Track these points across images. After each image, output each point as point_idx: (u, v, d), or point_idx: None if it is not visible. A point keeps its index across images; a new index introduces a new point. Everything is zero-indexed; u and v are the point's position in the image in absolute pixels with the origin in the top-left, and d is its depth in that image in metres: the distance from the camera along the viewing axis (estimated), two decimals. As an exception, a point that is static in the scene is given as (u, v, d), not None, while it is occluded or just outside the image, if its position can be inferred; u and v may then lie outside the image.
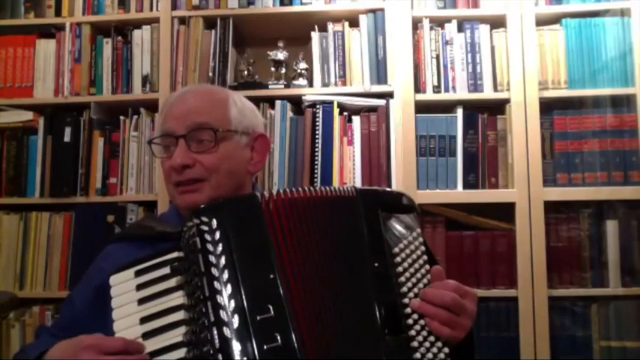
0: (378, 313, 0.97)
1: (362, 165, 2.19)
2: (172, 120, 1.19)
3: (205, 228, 0.95)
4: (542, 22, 2.21)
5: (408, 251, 1.04)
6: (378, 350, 0.95)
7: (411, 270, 1.02)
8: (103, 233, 2.20)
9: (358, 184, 2.17)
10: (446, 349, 0.98)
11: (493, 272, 2.14)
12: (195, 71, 2.27)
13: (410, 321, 0.98)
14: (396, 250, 1.03)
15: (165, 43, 2.27)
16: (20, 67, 2.34)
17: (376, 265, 1.01)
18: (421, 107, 2.18)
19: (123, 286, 0.98)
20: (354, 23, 2.28)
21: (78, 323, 1.04)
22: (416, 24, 2.23)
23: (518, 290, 2.08)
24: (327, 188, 1.06)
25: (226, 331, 0.87)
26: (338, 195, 1.06)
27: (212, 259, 0.92)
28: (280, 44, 2.37)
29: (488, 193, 2.15)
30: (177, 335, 0.92)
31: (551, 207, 2.12)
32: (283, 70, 2.36)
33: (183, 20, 2.29)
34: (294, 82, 2.30)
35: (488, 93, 2.20)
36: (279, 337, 0.89)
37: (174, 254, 0.99)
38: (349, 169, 2.19)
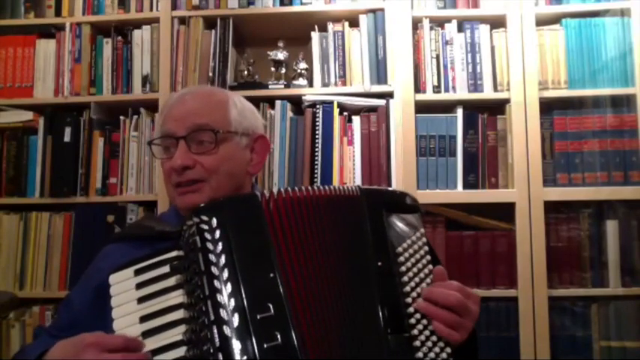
0: (381, 313, 0.97)
1: (362, 165, 2.19)
2: (172, 121, 1.19)
3: (205, 227, 0.95)
4: (542, 22, 2.21)
5: (411, 251, 1.04)
6: (380, 349, 0.95)
7: (414, 270, 1.03)
8: (103, 233, 2.20)
9: (358, 183, 2.17)
10: (448, 349, 0.98)
11: (493, 272, 2.14)
12: (195, 71, 2.27)
13: (412, 320, 0.98)
14: (400, 249, 1.03)
15: (165, 43, 2.28)
16: (20, 67, 2.34)
17: (380, 264, 1.01)
18: (421, 107, 2.18)
19: (122, 284, 0.98)
20: (354, 23, 2.28)
21: (77, 323, 1.04)
22: (416, 24, 2.23)
23: (518, 290, 2.08)
24: (331, 187, 1.06)
25: (226, 330, 0.87)
26: (341, 194, 1.07)
27: (212, 257, 0.92)
28: (280, 44, 2.37)
29: (488, 193, 2.15)
30: (177, 334, 0.92)
31: (551, 207, 2.12)
32: (283, 70, 2.36)
33: (183, 20, 2.29)
34: (294, 82, 2.30)
35: (488, 93, 2.20)
36: (279, 336, 0.89)
37: (174, 253, 0.99)
38: (349, 169, 2.19)
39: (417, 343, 0.96)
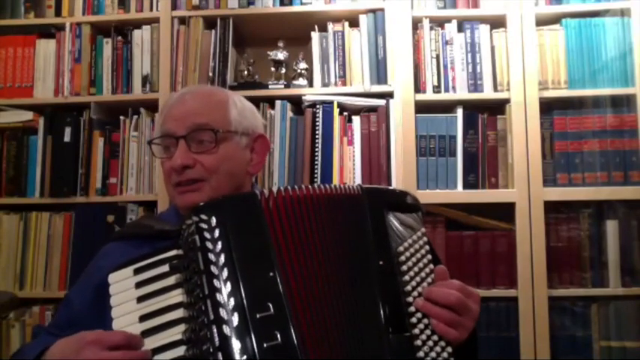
0: (382, 312, 0.96)
1: (362, 165, 2.19)
2: (172, 121, 1.19)
3: (204, 226, 0.95)
4: (542, 22, 2.21)
5: (412, 250, 1.04)
6: (381, 349, 0.94)
7: (415, 269, 1.02)
8: (103, 233, 2.20)
9: (358, 183, 2.17)
10: (449, 349, 0.98)
11: (493, 272, 2.14)
12: (195, 71, 2.27)
13: (414, 320, 0.98)
14: (401, 249, 1.03)
15: (165, 43, 2.28)
16: (20, 67, 2.34)
17: (381, 263, 1.01)
18: (421, 107, 2.19)
19: (122, 284, 0.98)
20: (354, 23, 2.28)
21: (76, 322, 1.04)
22: (416, 24, 2.23)
23: (518, 290, 2.08)
24: (332, 186, 1.06)
25: (226, 329, 0.87)
26: (343, 193, 1.06)
27: (211, 257, 0.92)
28: (280, 44, 2.37)
29: (488, 193, 2.15)
30: (176, 333, 0.92)
31: (551, 207, 2.12)
32: (283, 70, 2.36)
33: (183, 20, 2.29)
34: (294, 82, 2.30)
35: (488, 93, 2.20)
36: (279, 336, 0.88)
37: (173, 252, 0.98)
38: (349, 169, 2.20)
39: (418, 343, 0.96)
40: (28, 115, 2.30)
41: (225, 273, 0.91)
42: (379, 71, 2.23)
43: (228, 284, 0.90)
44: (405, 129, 2.16)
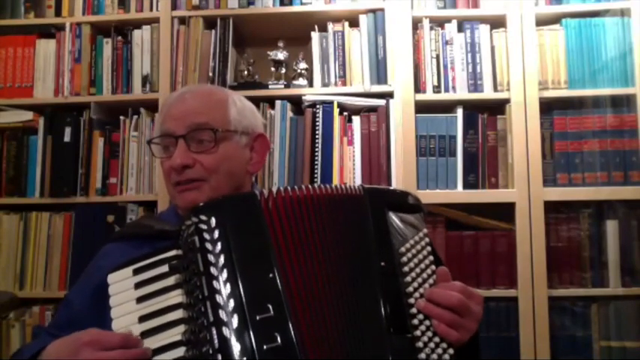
0: (383, 313, 0.96)
1: (362, 165, 2.19)
2: (172, 120, 1.19)
3: (204, 227, 0.94)
4: (542, 22, 2.21)
5: (414, 251, 1.03)
6: (383, 350, 0.94)
7: (417, 270, 1.02)
8: (103, 233, 2.20)
9: (358, 183, 2.17)
10: (451, 350, 0.97)
11: (493, 272, 2.14)
12: (195, 71, 2.27)
13: (415, 321, 0.97)
14: (403, 249, 1.02)
15: (165, 43, 2.28)
16: (20, 67, 2.34)
17: (383, 264, 1.00)
18: (421, 107, 2.18)
19: (121, 284, 0.98)
20: (354, 23, 2.28)
21: (76, 322, 1.03)
22: (416, 24, 2.23)
23: (518, 290, 2.08)
24: (334, 186, 1.05)
25: (225, 331, 0.87)
26: (344, 193, 1.06)
27: (211, 258, 0.92)
28: (280, 44, 2.37)
29: (488, 193, 2.15)
30: (176, 334, 0.91)
31: (551, 207, 2.12)
32: (283, 70, 2.36)
33: (183, 20, 2.29)
34: (294, 82, 2.30)
35: (488, 93, 2.20)
36: (279, 337, 0.88)
37: (173, 252, 0.98)
38: (349, 169, 2.19)
39: (420, 344, 0.95)
40: (28, 115, 2.30)
41: (224, 274, 0.91)
42: (379, 71, 2.23)
43: (228, 285, 0.90)
44: (405, 129, 2.16)
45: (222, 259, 0.92)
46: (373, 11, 2.25)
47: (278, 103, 2.24)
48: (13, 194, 2.29)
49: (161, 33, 2.28)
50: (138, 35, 2.32)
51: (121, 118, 2.29)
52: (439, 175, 2.18)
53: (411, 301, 0.98)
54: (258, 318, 0.89)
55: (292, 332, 0.89)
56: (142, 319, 0.94)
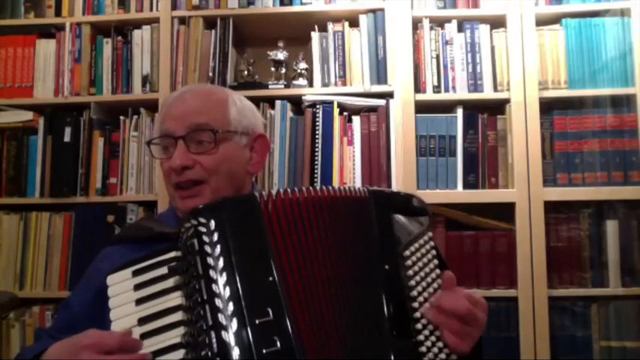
0: (387, 316, 0.96)
1: (362, 165, 2.19)
2: (171, 120, 1.18)
3: (203, 229, 0.94)
4: (542, 22, 2.21)
5: (418, 254, 1.03)
6: (386, 353, 0.94)
7: (422, 274, 1.01)
8: (103, 233, 2.20)
9: (358, 184, 2.17)
10: (454, 356, 0.97)
11: (493, 272, 2.13)
12: (195, 71, 2.27)
13: (419, 325, 0.96)
14: (407, 253, 1.02)
15: (165, 43, 2.27)
16: (20, 67, 2.34)
17: (386, 267, 1.00)
18: (421, 107, 2.18)
19: (120, 286, 0.98)
20: (354, 23, 2.27)
21: (76, 324, 1.03)
22: (416, 24, 2.23)
23: (518, 290, 2.08)
24: (338, 188, 1.05)
25: (225, 335, 0.86)
26: (349, 195, 1.05)
27: (210, 261, 0.91)
28: (280, 44, 2.37)
29: (488, 193, 2.15)
30: (175, 336, 0.91)
31: (551, 207, 2.12)
32: (283, 70, 2.36)
33: (183, 20, 2.29)
34: (294, 82, 2.30)
35: (488, 93, 2.20)
36: (278, 341, 0.87)
37: (172, 254, 0.98)
38: (349, 169, 2.19)
39: (423, 349, 0.95)
40: (28, 115, 2.30)
41: (223, 277, 0.90)
42: (379, 71, 2.23)
43: (227, 289, 0.90)
44: (405, 129, 2.15)
45: (221, 262, 0.91)
46: (373, 11, 2.25)
47: (278, 103, 2.24)
48: (13, 194, 2.29)
49: (161, 33, 2.28)
50: (138, 35, 2.32)
51: (121, 118, 2.29)
52: (439, 175, 2.17)
53: (415, 305, 0.98)
54: (257, 322, 0.88)
55: (292, 336, 0.89)
56: (142, 321, 0.93)
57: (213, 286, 0.90)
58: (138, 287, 0.97)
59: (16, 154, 2.30)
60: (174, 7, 2.30)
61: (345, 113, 2.22)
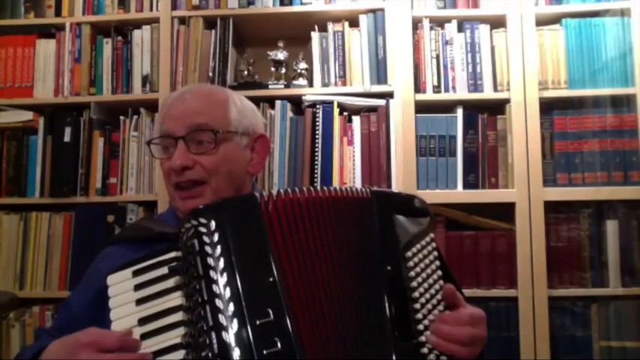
0: (389, 317, 0.95)
1: (362, 165, 2.19)
2: (171, 121, 1.18)
3: (203, 230, 0.94)
4: (542, 22, 2.21)
5: (420, 256, 1.03)
6: (388, 353, 0.93)
7: (423, 275, 1.01)
8: (103, 233, 2.20)
9: (358, 184, 2.17)
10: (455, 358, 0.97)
11: (493, 272, 2.13)
12: (195, 71, 2.27)
13: (420, 327, 0.96)
14: (409, 254, 1.01)
15: (165, 43, 2.27)
16: (20, 67, 2.34)
17: (389, 268, 0.99)
18: (421, 107, 2.18)
19: (120, 286, 0.97)
20: (354, 23, 2.27)
21: (76, 325, 1.03)
22: (416, 24, 2.23)
23: (518, 290, 2.08)
24: (340, 189, 1.05)
25: (225, 336, 0.86)
26: (351, 196, 1.05)
27: (210, 261, 0.91)
28: (280, 44, 2.37)
29: (488, 193, 2.15)
30: (175, 336, 0.91)
31: (551, 207, 2.12)
32: (283, 70, 2.36)
33: (183, 20, 2.29)
34: (294, 82, 2.30)
35: (488, 93, 2.20)
36: (279, 342, 0.87)
37: (172, 254, 0.98)
38: (349, 169, 2.19)
39: (425, 350, 0.95)
40: (28, 115, 2.30)
41: (224, 278, 0.90)
42: (379, 71, 2.23)
43: (228, 289, 0.90)
44: (405, 129, 2.15)
45: (221, 263, 0.91)
46: (373, 11, 2.25)
47: (278, 103, 2.24)
48: (13, 194, 2.29)
49: (161, 33, 2.28)
50: (138, 35, 2.32)
51: (121, 118, 2.29)
52: (439, 175, 2.17)
53: (417, 306, 0.97)
54: (258, 322, 0.88)
55: (292, 336, 0.89)
56: (142, 321, 0.93)
57: (214, 287, 0.90)
58: (138, 287, 0.96)
59: (16, 154, 2.30)
60: (174, 7, 2.30)
61: (345, 113, 2.22)
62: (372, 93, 2.22)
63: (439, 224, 2.16)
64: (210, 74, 2.26)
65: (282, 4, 2.29)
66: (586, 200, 2.14)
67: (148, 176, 2.25)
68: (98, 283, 1.04)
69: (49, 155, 2.27)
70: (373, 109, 2.21)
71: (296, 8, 2.28)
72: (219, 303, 0.89)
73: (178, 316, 0.92)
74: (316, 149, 2.18)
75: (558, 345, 2.08)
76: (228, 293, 0.89)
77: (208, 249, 0.92)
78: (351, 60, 2.25)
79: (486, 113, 2.20)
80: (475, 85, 2.20)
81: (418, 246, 1.03)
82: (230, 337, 0.86)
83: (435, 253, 1.05)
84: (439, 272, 1.03)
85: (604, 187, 2.12)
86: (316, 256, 0.97)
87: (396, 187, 2.14)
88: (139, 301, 0.95)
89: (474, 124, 2.18)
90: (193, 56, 2.27)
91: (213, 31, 2.29)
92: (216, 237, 0.93)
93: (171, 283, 0.96)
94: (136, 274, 0.98)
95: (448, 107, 2.25)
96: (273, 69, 2.37)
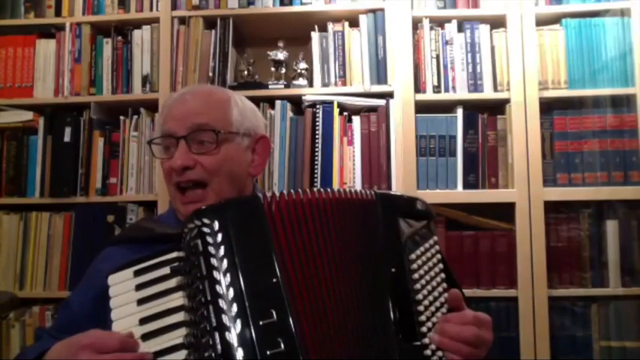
0: (393, 319, 0.95)
1: (362, 165, 2.19)
2: (172, 121, 1.18)
3: (207, 230, 0.94)
4: (542, 22, 2.21)
5: (424, 258, 1.03)
6: (391, 355, 0.94)
7: (427, 277, 1.01)
8: (103, 233, 2.20)
9: (358, 184, 2.17)
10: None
11: (493, 272, 2.13)
12: (195, 71, 2.27)
13: (424, 329, 0.96)
14: (413, 256, 1.02)
15: (165, 43, 2.27)
16: (20, 67, 2.34)
17: (393, 270, 0.99)
18: (421, 107, 2.18)
19: (122, 286, 0.97)
20: (354, 23, 2.28)
21: (77, 325, 1.03)
22: (416, 24, 2.23)
23: (518, 290, 2.08)
24: (344, 190, 1.05)
25: (228, 337, 0.86)
26: (355, 197, 1.05)
27: (214, 262, 0.91)
28: (280, 44, 2.37)
29: (488, 193, 2.15)
30: (177, 337, 0.91)
31: (551, 207, 2.12)
32: (283, 70, 2.36)
33: (183, 20, 2.29)
34: (294, 82, 2.30)
35: (488, 93, 2.20)
36: (282, 343, 0.87)
37: (174, 254, 0.98)
38: (349, 169, 2.19)
39: (428, 352, 0.95)
40: (28, 115, 2.30)
41: (227, 278, 0.90)
42: (379, 71, 2.23)
43: (231, 290, 0.90)
44: (405, 129, 2.15)
45: (225, 263, 0.91)
46: (373, 11, 2.25)
47: (278, 103, 2.24)
48: (13, 194, 2.29)
49: (161, 33, 2.28)
50: (138, 35, 2.32)
51: (121, 118, 2.29)
52: (439, 175, 2.18)
53: (420, 308, 0.97)
54: (261, 323, 0.88)
55: (295, 337, 0.89)
56: (143, 321, 0.93)
57: (217, 287, 0.90)
58: (139, 287, 0.96)
59: (16, 154, 2.30)
60: (174, 7, 2.30)
61: (345, 113, 2.23)
62: (372, 93, 2.22)
63: (439, 224, 2.16)
64: (210, 74, 2.26)
65: (282, 4, 2.29)
66: (586, 200, 2.14)
67: (148, 176, 2.25)
68: (98, 283, 1.04)
69: (49, 155, 2.27)
70: (373, 109, 2.21)
71: (296, 8, 2.28)
72: (222, 303, 0.89)
73: (180, 317, 0.93)
74: (316, 149, 2.18)
75: (558, 345, 2.08)
76: (231, 294, 0.89)
77: (212, 249, 0.92)
78: (351, 60, 2.26)
79: (486, 113, 2.20)
80: (475, 85, 2.20)
81: (422, 248, 1.04)
82: (233, 337, 0.87)
83: (439, 255, 1.05)
84: (443, 275, 1.03)
85: (604, 187, 2.12)
86: (319, 257, 0.97)
87: (396, 187, 2.14)
88: (141, 301, 0.95)
89: (473, 124, 2.18)
90: (193, 56, 2.27)
91: (213, 31, 2.29)
92: (219, 237, 0.93)
93: (173, 283, 0.96)
94: (137, 273, 0.98)
95: (448, 107, 2.25)
96: (273, 69, 2.37)
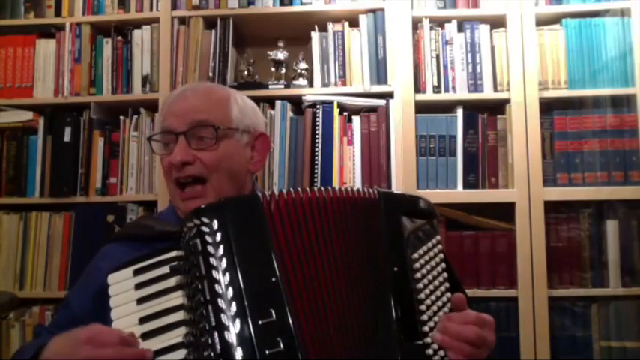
0: (395, 318, 0.95)
1: (362, 165, 2.19)
2: (172, 117, 1.18)
3: (206, 229, 0.94)
4: (542, 22, 2.21)
5: (427, 257, 1.03)
6: (393, 354, 0.93)
7: (429, 277, 1.01)
8: (103, 233, 2.19)
9: (358, 184, 2.17)
10: None
11: (493, 272, 2.13)
12: (195, 71, 2.27)
13: (426, 328, 0.96)
14: (416, 255, 1.01)
15: (165, 43, 2.27)
16: (20, 67, 2.34)
17: (395, 269, 0.99)
18: (421, 107, 2.18)
19: (121, 284, 0.97)
20: (354, 23, 2.28)
21: (76, 323, 1.03)
22: (416, 24, 2.23)
23: (518, 290, 2.08)
24: (346, 189, 1.05)
25: (227, 336, 0.86)
26: (358, 196, 1.05)
27: (213, 261, 0.91)
28: (280, 44, 2.37)
29: (488, 193, 2.15)
30: (177, 336, 0.91)
31: (551, 207, 2.12)
32: (283, 70, 2.36)
33: (183, 20, 2.29)
34: (294, 82, 2.30)
35: (488, 93, 2.20)
36: (281, 342, 0.87)
37: (174, 253, 0.98)
38: (349, 169, 2.19)
39: (430, 351, 0.95)
40: (28, 115, 2.30)
41: (226, 278, 0.90)
42: (379, 71, 2.23)
43: (230, 289, 0.90)
44: (405, 129, 2.15)
45: (224, 263, 0.91)
46: (373, 11, 2.25)
47: (278, 103, 2.24)
48: (13, 194, 2.28)
49: (161, 33, 2.28)
50: (138, 35, 2.32)
51: (121, 118, 2.29)
52: (439, 175, 2.18)
53: (422, 307, 0.97)
54: (260, 322, 0.88)
55: (295, 336, 0.89)
56: (143, 320, 0.93)
57: (216, 287, 0.90)
58: (139, 286, 0.96)
59: (16, 154, 2.30)
60: (174, 7, 2.30)
61: (345, 113, 2.23)
62: (372, 93, 2.22)
63: (439, 224, 2.15)
64: (210, 74, 2.26)
65: (282, 4, 2.30)
66: (586, 200, 2.14)
67: (148, 176, 2.25)
68: (98, 281, 1.04)
69: (49, 155, 2.27)
70: (373, 109, 2.21)
71: (296, 8, 2.28)
72: (221, 303, 0.89)
73: (179, 316, 0.92)
74: (316, 149, 2.18)
75: (558, 345, 2.08)
76: (230, 293, 0.89)
77: (211, 249, 0.92)
78: (351, 60, 2.26)
79: (486, 113, 2.20)
80: (475, 85, 2.20)
81: (425, 247, 1.03)
82: (232, 336, 0.87)
83: (441, 255, 1.05)
84: (445, 274, 1.03)
85: (604, 187, 2.12)
86: (319, 257, 0.97)
87: (395, 187, 2.14)
88: (140, 300, 0.95)
89: (473, 124, 2.18)
90: (193, 56, 2.27)
91: (213, 31, 2.29)
92: (218, 237, 0.93)
93: (172, 282, 0.96)
94: (137, 272, 0.98)
95: (448, 107, 2.25)
96: (273, 69, 2.37)
